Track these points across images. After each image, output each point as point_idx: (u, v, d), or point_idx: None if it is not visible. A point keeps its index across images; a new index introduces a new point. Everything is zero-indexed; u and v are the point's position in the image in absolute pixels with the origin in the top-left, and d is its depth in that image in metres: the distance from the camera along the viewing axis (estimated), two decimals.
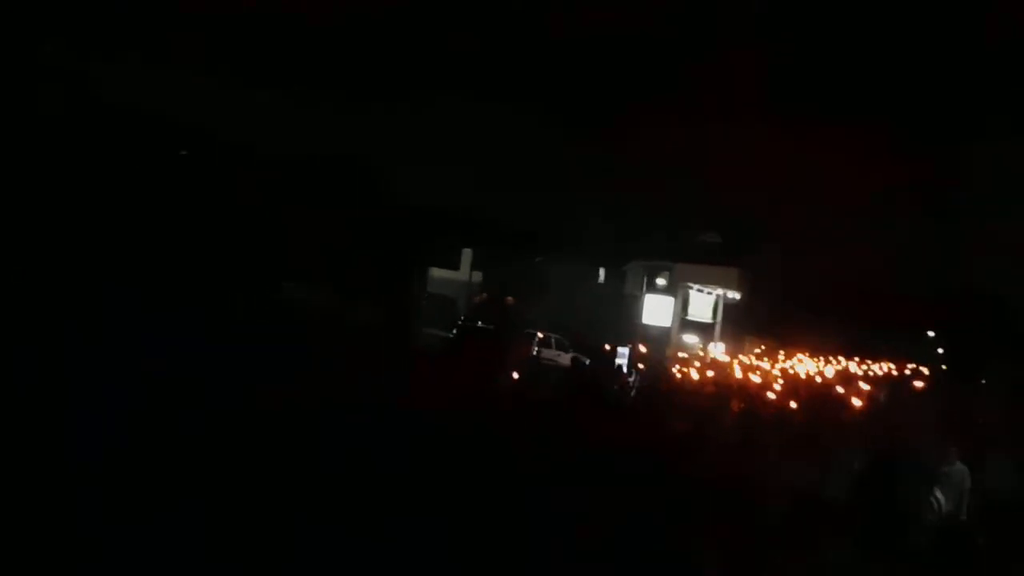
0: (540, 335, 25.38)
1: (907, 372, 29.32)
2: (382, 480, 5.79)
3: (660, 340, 32.12)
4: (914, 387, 18.56)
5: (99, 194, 15.76)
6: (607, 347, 19.44)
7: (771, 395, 12.73)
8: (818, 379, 18.18)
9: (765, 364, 22.34)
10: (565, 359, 21.46)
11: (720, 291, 38.83)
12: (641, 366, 18.55)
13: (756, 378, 16.84)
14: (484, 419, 7.71)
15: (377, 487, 5.69)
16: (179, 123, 19.60)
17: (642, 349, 21.60)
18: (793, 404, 11.01)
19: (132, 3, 19.26)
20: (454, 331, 23.36)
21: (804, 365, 23.30)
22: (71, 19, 18.18)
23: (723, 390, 11.84)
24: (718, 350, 34.10)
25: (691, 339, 36.89)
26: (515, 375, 10.76)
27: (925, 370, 31.18)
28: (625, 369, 18.72)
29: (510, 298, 30.33)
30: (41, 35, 17.34)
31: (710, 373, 16.96)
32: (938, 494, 7.97)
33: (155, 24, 19.07)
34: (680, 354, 22.57)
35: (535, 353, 22.07)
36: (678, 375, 16.21)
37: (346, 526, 5.21)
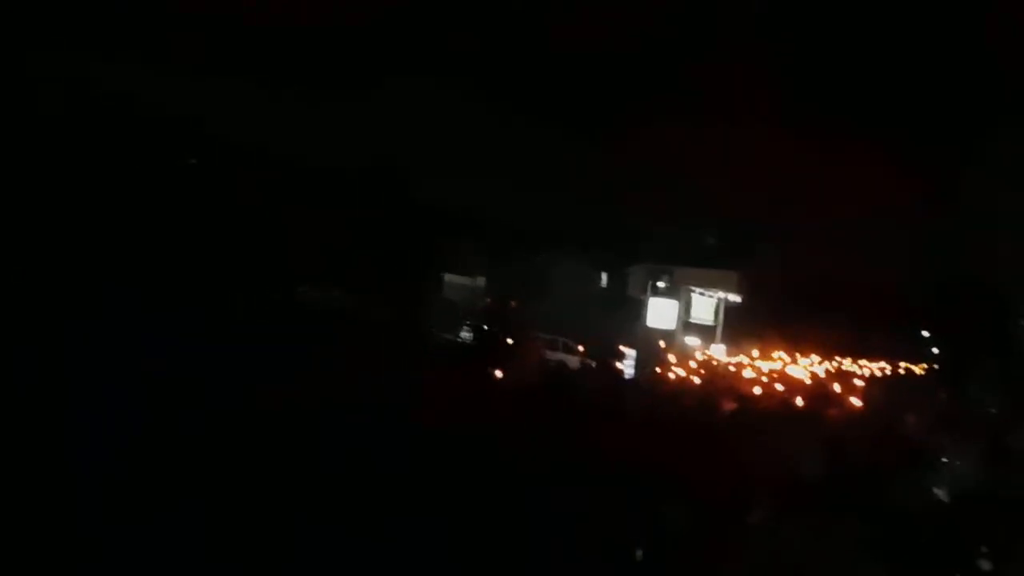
0: (547, 338, 25.80)
1: (901, 371, 29.63)
2: (383, 480, 5.80)
3: (664, 342, 32.44)
4: (908, 385, 18.82)
5: (106, 196, 15.82)
6: (580, 347, 19.74)
7: (758, 390, 13.18)
8: (808, 380, 18.53)
9: (761, 364, 22.71)
10: (574, 362, 21.86)
11: (721, 294, 39.16)
12: (619, 365, 18.87)
13: (749, 374, 17.28)
14: (497, 421, 7.77)
15: (379, 487, 5.71)
16: (194, 125, 19.52)
17: (627, 351, 21.92)
18: (786, 401, 11.39)
19: (132, 3, 19.21)
20: (468, 334, 23.67)
21: (798, 366, 23.69)
22: (71, 20, 18.22)
23: (719, 389, 12.21)
24: (719, 351, 34.54)
25: (693, 341, 37.23)
26: (527, 377, 10.98)
27: (919, 369, 31.53)
28: (631, 371, 19.02)
29: (513, 301, 30.66)
30: (41, 35, 17.21)
31: (701, 375, 17.35)
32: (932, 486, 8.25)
33: (172, 25, 19.01)
34: (671, 357, 22.86)
35: (545, 355, 22.44)
36: (671, 376, 16.55)
37: (346, 526, 5.21)
